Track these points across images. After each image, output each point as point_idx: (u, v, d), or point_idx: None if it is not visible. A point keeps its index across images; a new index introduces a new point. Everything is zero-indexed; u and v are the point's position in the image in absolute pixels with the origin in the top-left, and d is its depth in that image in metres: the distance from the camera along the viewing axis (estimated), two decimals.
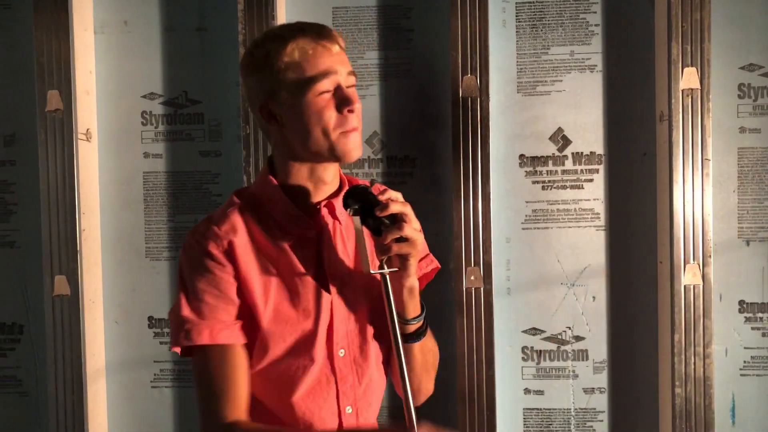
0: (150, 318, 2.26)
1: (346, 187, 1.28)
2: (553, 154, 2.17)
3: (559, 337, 2.18)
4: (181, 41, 2.23)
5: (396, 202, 1.18)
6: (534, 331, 2.18)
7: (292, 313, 1.25)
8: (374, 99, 2.20)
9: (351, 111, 1.22)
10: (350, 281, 1.30)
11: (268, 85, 1.24)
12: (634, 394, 2.16)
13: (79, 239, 2.14)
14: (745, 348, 2.14)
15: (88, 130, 2.21)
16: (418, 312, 1.29)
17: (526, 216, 2.17)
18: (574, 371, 2.18)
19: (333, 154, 1.24)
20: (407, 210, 1.19)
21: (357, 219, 1.21)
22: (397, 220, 1.18)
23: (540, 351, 2.18)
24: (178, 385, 2.26)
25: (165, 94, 2.24)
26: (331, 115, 1.21)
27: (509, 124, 2.17)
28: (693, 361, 2.01)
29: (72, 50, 2.13)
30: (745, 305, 2.13)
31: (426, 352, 1.34)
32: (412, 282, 1.25)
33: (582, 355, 2.18)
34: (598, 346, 2.17)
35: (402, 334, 1.24)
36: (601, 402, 2.17)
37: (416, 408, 1.18)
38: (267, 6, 2.09)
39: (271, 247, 1.26)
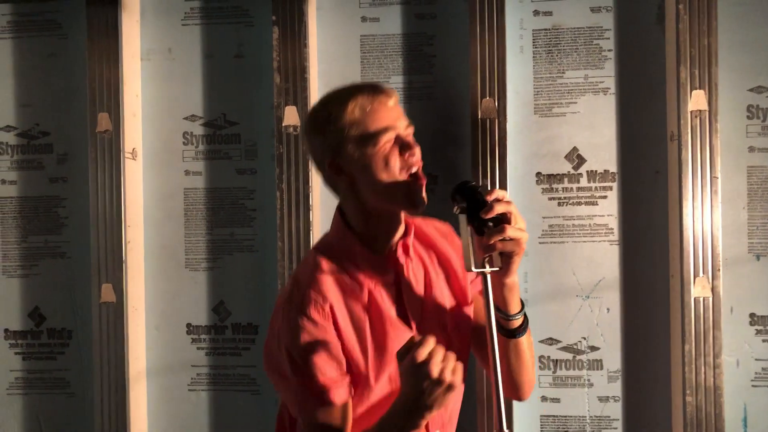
0: (188, 325, 2.41)
1: (412, 227, 1.40)
2: (569, 172, 2.28)
3: (575, 347, 2.28)
4: (220, 67, 2.40)
5: (501, 202, 1.23)
6: (551, 341, 2.28)
7: (388, 354, 1.34)
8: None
9: (412, 155, 1.31)
10: (426, 314, 1.38)
11: (334, 142, 1.33)
12: (647, 402, 2.24)
13: (125, 250, 2.31)
14: (756, 359, 2.21)
15: (134, 149, 2.38)
16: (520, 307, 1.36)
17: (543, 231, 2.28)
18: (589, 380, 2.27)
19: (404, 198, 1.32)
20: (512, 209, 1.24)
21: (463, 217, 1.25)
22: (502, 220, 1.23)
23: (556, 360, 2.28)
24: (214, 389, 2.40)
25: (205, 116, 2.41)
26: (395, 160, 1.31)
27: (526, 143, 2.29)
28: (703, 370, 2.09)
29: (121, 76, 2.31)
30: (756, 318, 2.21)
31: (530, 345, 1.41)
32: (514, 279, 1.31)
33: (597, 364, 2.27)
34: (613, 356, 2.26)
35: (507, 330, 1.33)
36: (615, 410, 2.26)
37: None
38: (300, 35, 2.25)
39: (358, 294, 1.35)
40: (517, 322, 1.36)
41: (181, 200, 2.42)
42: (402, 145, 1.32)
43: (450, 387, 1.16)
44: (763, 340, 2.21)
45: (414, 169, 1.32)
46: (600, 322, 2.27)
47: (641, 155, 2.26)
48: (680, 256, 2.12)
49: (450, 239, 1.50)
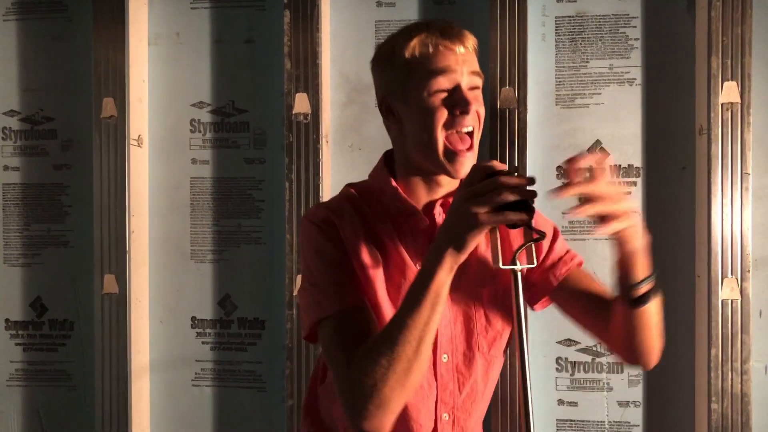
0: (193, 318, 2.34)
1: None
2: (591, 167, 2.18)
3: (594, 348, 2.18)
4: (229, 53, 2.32)
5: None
6: (569, 342, 2.19)
7: (396, 303, 1.22)
8: None
9: (464, 112, 1.18)
10: (459, 284, 1.22)
11: (388, 80, 1.24)
12: (669, 408, 2.14)
13: (128, 240, 2.24)
14: None
15: (139, 136, 2.31)
16: (647, 273, 1.21)
17: (563, 227, 2.18)
18: (608, 384, 2.18)
19: (440, 165, 1.21)
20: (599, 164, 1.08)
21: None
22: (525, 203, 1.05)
23: (574, 362, 2.19)
24: (218, 385, 2.33)
25: (213, 103, 2.33)
26: (441, 113, 1.18)
27: (547, 135, 2.19)
28: (730, 376, 1.99)
29: (127, 60, 2.23)
30: None
31: (659, 310, 1.27)
32: (632, 246, 1.16)
33: (617, 367, 2.17)
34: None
35: (632, 299, 1.20)
36: (635, 416, 2.16)
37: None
38: (312, 19, 2.16)
39: (380, 238, 1.25)
40: (643, 289, 1.21)
41: (188, 190, 2.34)
42: (455, 100, 1.18)
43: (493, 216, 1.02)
44: None
45: (462, 129, 1.19)
46: None
47: (667, 150, 2.15)
48: (708, 256, 2.01)
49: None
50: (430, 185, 1.28)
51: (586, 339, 2.18)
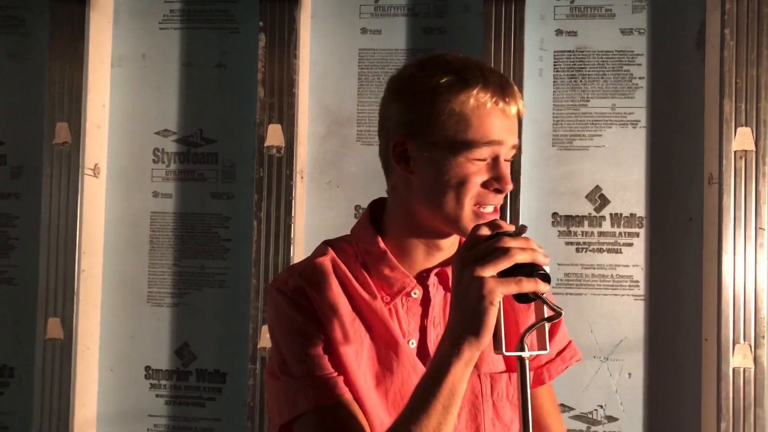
0: (147, 368, 2.11)
1: None
2: (590, 213, 2.00)
3: (590, 416, 1.97)
4: (198, 78, 2.13)
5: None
6: (562, 408, 1.98)
7: (379, 394, 1.03)
8: None
9: (499, 191, 1.01)
10: None
11: (416, 119, 1.01)
12: None
13: (78, 280, 2.02)
14: None
15: (96, 165, 2.10)
16: None
17: (558, 280, 1.99)
18: None
19: (456, 227, 1.02)
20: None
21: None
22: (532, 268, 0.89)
23: (568, 431, 1.97)
24: None
25: (179, 132, 2.13)
26: (475, 185, 1.00)
27: (543, 179, 2.01)
28: None
29: (85, 82, 2.04)
30: None
31: None
32: None
33: None
34: (633, 429, 1.95)
35: None
36: None
37: None
38: (289, 45, 1.98)
39: (365, 311, 1.05)
40: None
41: (147, 225, 2.13)
42: (495, 175, 1.00)
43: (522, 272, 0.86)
44: None
45: (487, 208, 1.01)
46: (620, 389, 1.96)
47: (673, 199, 1.97)
48: (717, 318, 1.82)
49: None
50: (429, 249, 1.07)
51: (582, 405, 1.97)
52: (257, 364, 1.94)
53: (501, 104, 0.99)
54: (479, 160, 0.99)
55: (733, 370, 1.80)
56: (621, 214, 1.99)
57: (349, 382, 1.01)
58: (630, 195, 1.99)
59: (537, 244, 0.88)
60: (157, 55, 2.15)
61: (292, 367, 1.01)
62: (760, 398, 1.79)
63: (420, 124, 1.00)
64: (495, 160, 0.99)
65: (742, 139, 1.83)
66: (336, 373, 1.00)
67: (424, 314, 1.07)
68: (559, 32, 2.03)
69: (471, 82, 0.99)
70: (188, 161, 2.13)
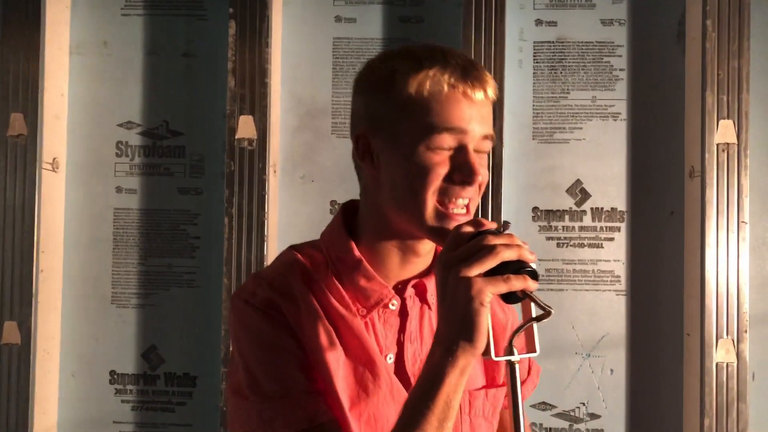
0: (112, 372, 2.00)
1: None
2: (570, 208, 1.96)
3: (572, 414, 1.93)
4: (164, 67, 2.03)
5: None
6: (544, 406, 1.94)
7: (353, 417, 0.93)
8: None
9: (467, 183, 0.90)
10: None
11: (375, 112, 0.94)
12: None
13: (36, 281, 1.90)
14: None
15: (55, 159, 1.98)
16: None
17: (539, 276, 1.94)
18: None
19: (420, 227, 0.92)
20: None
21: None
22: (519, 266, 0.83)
23: (550, 429, 1.93)
24: None
25: (143, 124, 2.03)
26: (437, 177, 0.90)
27: (523, 173, 1.96)
28: None
29: (42, 70, 1.92)
30: None
31: None
32: None
33: None
34: (616, 426, 1.92)
35: None
36: None
37: None
38: (261, 33, 1.89)
39: (338, 324, 0.95)
40: None
41: (111, 223, 2.02)
42: (460, 164, 0.90)
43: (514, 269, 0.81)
44: None
45: (457, 204, 0.91)
46: (602, 386, 1.93)
47: (654, 192, 1.95)
48: (700, 314, 1.80)
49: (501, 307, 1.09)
50: (404, 254, 0.98)
51: (564, 403, 1.94)
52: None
53: (462, 87, 0.90)
54: (442, 149, 0.90)
55: (717, 365, 1.78)
56: (602, 209, 1.96)
57: (330, 399, 0.92)
58: (611, 189, 1.96)
59: (521, 240, 0.83)
60: (120, 42, 2.03)
61: (265, 385, 0.91)
62: (743, 393, 1.78)
63: (380, 115, 0.93)
64: (460, 150, 0.90)
65: (724, 131, 1.81)
66: (316, 392, 0.91)
67: (402, 328, 0.99)
68: (538, 22, 1.98)
69: (427, 64, 0.91)
70: (153, 155, 2.02)
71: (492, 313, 0.96)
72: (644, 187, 1.95)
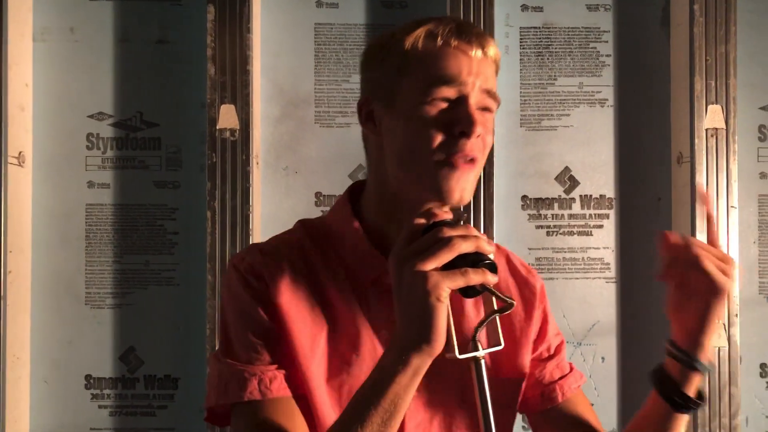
0: (88, 377, 1.90)
1: None
2: (559, 196, 1.94)
3: None
4: (137, 54, 1.92)
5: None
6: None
7: (332, 387, 0.93)
8: (359, 129, 1.93)
9: (465, 134, 0.87)
10: (441, 367, 0.87)
11: (376, 75, 0.94)
12: None
13: (4, 283, 1.79)
14: (767, 417, 1.93)
15: (21, 153, 1.87)
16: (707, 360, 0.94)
17: (530, 264, 1.92)
18: None
19: (428, 187, 0.89)
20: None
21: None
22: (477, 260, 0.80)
23: None
24: None
25: (116, 115, 1.93)
26: (437, 130, 0.88)
27: (511, 161, 1.93)
28: None
29: (4, 57, 1.80)
30: (767, 369, 1.92)
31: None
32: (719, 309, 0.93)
33: None
34: (608, 415, 1.92)
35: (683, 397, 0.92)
36: None
37: None
38: (241, 18, 1.81)
39: (330, 298, 0.94)
40: (697, 381, 0.95)
41: (83, 219, 1.91)
42: (458, 116, 0.87)
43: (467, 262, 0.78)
44: None
45: (456, 155, 0.87)
46: (594, 374, 1.93)
47: (642, 179, 1.94)
48: None
49: (529, 289, 1.06)
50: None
51: None
52: None
53: (456, 42, 0.90)
54: (439, 101, 0.88)
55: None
56: (591, 196, 1.95)
57: (299, 373, 0.91)
58: (599, 176, 1.95)
59: (478, 231, 0.81)
60: (88, 29, 1.92)
61: (237, 349, 0.92)
62: (734, 377, 1.79)
63: (378, 80, 0.94)
64: (459, 101, 0.89)
65: (712, 116, 1.81)
66: (276, 366, 0.91)
67: None
68: (524, 7, 1.95)
69: (423, 23, 0.92)
70: (127, 147, 1.93)
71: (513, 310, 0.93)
72: (632, 173, 1.94)
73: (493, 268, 0.79)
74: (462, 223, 0.82)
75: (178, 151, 1.93)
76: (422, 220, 0.82)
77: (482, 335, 0.94)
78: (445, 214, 0.83)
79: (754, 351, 1.92)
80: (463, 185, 0.88)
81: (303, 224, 1.02)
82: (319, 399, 0.91)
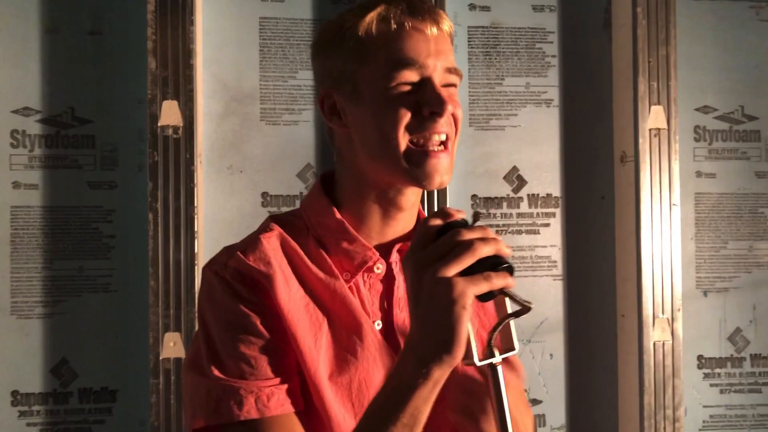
0: (14, 393, 1.77)
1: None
2: (508, 195, 1.95)
3: None
4: (67, 46, 1.80)
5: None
6: None
7: (341, 384, 0.88)
8: (308, 126, 1.88)
9: (436, 114, 0.86)
10: None
11: (332, 68, 0.91)
12: None
13: None
14: (704, 407, 2.00)
15: None
16: None
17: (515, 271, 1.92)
18: None
19: (405, 172, 0.87)
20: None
21: None
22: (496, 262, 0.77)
23: None
24: None
25: (44, 111, 1.80)
26: (404, 114, 0.86)
27: (461, 160, 1.92)
28: (663, 425, 1.83)
29: None
30: (703, 360, 2.00)
31: None
32: None
33: (538, 420, 1.94)
34: (556, 411, 1.94)
35: None
36: None
37: None
38: (184, 10, 1.72)
39: (319, 293, 0.90)
40: None
41: (7, 222, 1.78)
42: (425, 97, 0.86)
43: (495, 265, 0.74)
44: (711, 385, 2.00)
45: (433, 141, 0.87)
46: (542, 371, 1.95)
47: (586, 178, 1.98)
48: (638, 295, 1.85)
49: None
50: (386, 211, 0.93)
51: None
52: (160, 378, 1.68)
53: (411, 22, 0.88)
54: (403, 85, 0.87)
55: (654, 343, 1.84)
56: (538, 195, 1.96)
57: (306, 377, 0.87)
58: (546, 175, 1.97)
59: (475, 212, 0.82)
60: (10, 18, 1.79)
61: (227, 363, 0.85)
62: (677, 369, 1.85)
63: (336, 70, 0.91)
64: (424, 83, 0.88)
65: (655, 117, 1.86)
66: (278, 380, 0.85)
67: (387, 293, 0.94)
68: (472, 6, 1.95)
69: (372, 7, 0.90)
70: (57, 145, 1.80)
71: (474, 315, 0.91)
72: (577, 172, 1.97)
73: (512, 271, 0.76)
74: (480, 217, 0.80)
75: (114, 149, 1.81)
76: (438, 221, 0.78)
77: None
78: (459, 213, 0.79)
79: (692, 343, 1.98)
80: (440, 169, 0.87)
81: (276, 220, 0.96)
82: (330, 398, 0.86)
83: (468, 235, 0.75)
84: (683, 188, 1.98)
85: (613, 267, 1.96)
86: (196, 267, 1.71)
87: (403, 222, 0.95)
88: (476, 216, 0.81)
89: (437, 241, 0.76)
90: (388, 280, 0.94)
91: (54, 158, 1.79)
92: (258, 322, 0.86)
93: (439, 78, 0.88)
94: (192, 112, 1.72)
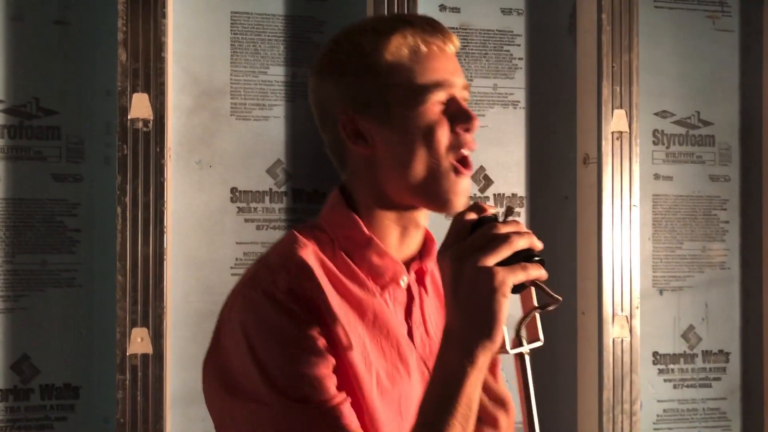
0: None
1: (434, 245, 0.97)
2: (475, 194, 1.99)
3: None
4: (32, 36, 1.76)
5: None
6: None
7: (391, 400, 0.89)
8: (278, 122, 1.88)
9: (469, 129, 0.90)
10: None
11: (358, 92, 0.91)
12: None
13: None
14: (658, 401, 2.08)
15: None
16: None
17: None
18: None
19: (433, 194, 0.90)
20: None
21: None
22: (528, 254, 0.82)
23: None
24: None
25: (7, 101, 1.75)
26: (443, 132, 0.89)
27: None
28: (621, 419, 1.89)
29: None
30: (658, 357, 2.07)
31: None
32: None
33: None
34: (517, 405, 1.98)
35: None
36: None
37: None
38: (156, 1, 1.70)
39: (357, 305, 0.91)
40: None
41: None
42: (456, 113, 0.90)
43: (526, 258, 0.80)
44: (665, 380, 2.08)
45: (465, 152, 0.90)
46: (504, 366, 1.98)
47: (550, 178, 2.03)
48: (599, 293, 1.91)
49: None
50: (404, 228, 0.95)
51: None
52: (127, 374, 1.66)
53: (435, 42, 0.91)
54: (436, 106, 0.90)
55: (613, 340, 1.90)
56: (503, 194, 2.01)
57: (361, 394, 0.87)
58: (511, 175, 2.01)
59: (507, 207, 0.85)
60: None
61: (288, 384, 0.83)
62: (635, 365, 1.91)
63: (361, 93, 0.91)
64: (451, 102, 0.91)
65: (618, 120, 1.92)
66: (343, 396, 0.84)
67: (407, 309, 0.96)
68: (442, 8, 1.98)
69: (391, 29, 0.91)
70: (21, 136, 1.76)
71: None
72: (541, 173, 2.02)
73: (544, 263, 0.82)
74: (512, 212, 0.85)
75: (80, 141, 1.78)
76: (473, 215, 0.81)
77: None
78: (489, 207, 0.84)
79: (647, 340, 2.05)
80: (466, 193, 0.92)
81: (307, 233, 0.94)
82: (383, 416, 0.87)
83: (504, 229, 0.79)
84: (642, 190, 2.05)
85: (575, 265, 2.01)
86: (165, 262, 1.70)
87: (417, 238, 0.97)
88: (509, 211, 0.85)
89: (475, 233, 0.79)
90: (409, 295, 0.96)
91: (17, 149, 1.75)
92: (317, 340, 0.85)
93: (459, 94, 0.92)
94: (162, 106, 1.70)
